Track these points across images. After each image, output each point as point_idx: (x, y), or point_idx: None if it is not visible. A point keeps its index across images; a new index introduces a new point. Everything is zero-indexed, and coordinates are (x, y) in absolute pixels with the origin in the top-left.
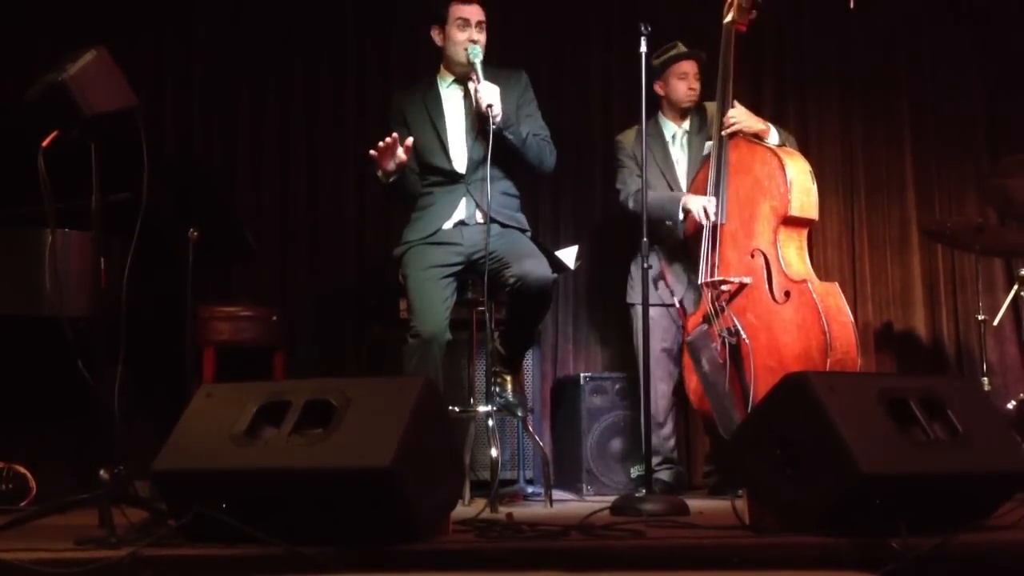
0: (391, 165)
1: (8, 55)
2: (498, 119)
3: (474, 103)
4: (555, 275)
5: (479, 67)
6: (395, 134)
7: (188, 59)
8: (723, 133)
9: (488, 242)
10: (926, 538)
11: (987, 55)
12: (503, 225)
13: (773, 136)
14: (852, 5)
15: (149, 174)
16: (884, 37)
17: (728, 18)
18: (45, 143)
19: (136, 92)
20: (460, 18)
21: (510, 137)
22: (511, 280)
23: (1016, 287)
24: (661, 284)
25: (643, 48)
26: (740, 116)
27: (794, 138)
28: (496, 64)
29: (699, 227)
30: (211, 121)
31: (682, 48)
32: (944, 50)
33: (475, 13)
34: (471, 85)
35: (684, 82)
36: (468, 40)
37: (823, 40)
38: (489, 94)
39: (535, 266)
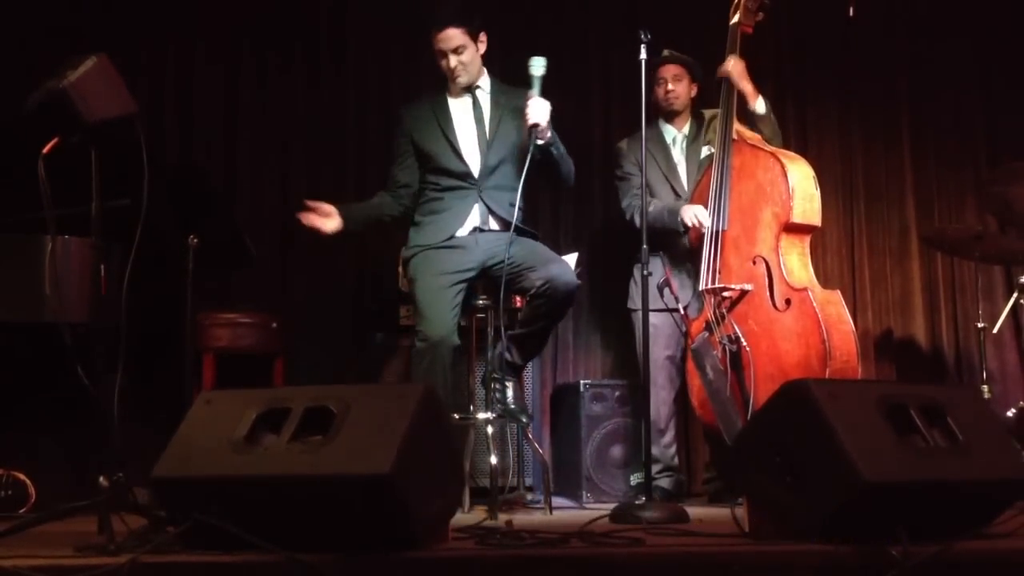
0: (330, 227)
1: (8, 61)
2: (548, 136)
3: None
4: (579, 280)
5: (537, 82)
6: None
7: (188, 65)
8: (719, 75)
9: (508, 250)
10: (926, 546)
11: (986, 62)
12: (520, 232)
13: (760, 104)
14: (851, 13)
15: (149, 181)
16: (883, 44)
17: (734, 20)
18: (45, 150)
19: (136, 99)
20: (437, 49)
21: (554, 152)
22: (538, 283)
23: (1016, 294)
24: (666, 291)
25: (643, 55)
26: (735, 68)
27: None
28: (509, 82)
29: (703, 235)
30: (211, 127)
31: (665, 53)
32: (943, 57)
33: (446, 41)
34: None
35: (660, 87)
36: (447, 68)
37: (822, 48)
38: (537, 112)
39: (562, 271)
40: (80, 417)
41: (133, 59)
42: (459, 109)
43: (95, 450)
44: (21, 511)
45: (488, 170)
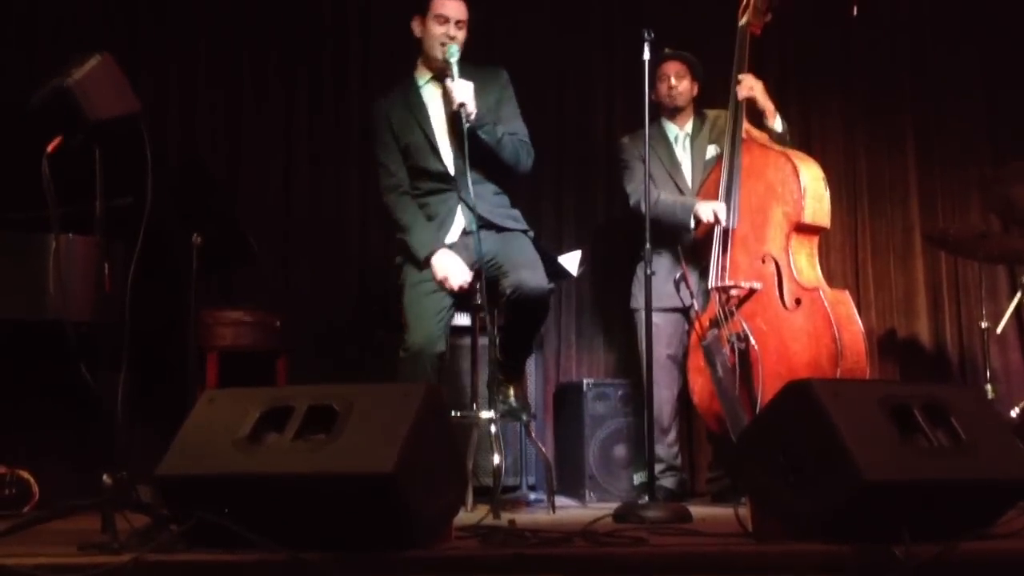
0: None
1: (12, 60)
2: (471, 117)
3: (450, 100)
4: (552, 285)
5: (455, 66)
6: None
7: (191, 64)
8: (738, 96)
9: (480, 249)
10: (929, 546)
11: (990, 61)
12: (501, 229)
13: (777, 123)
14: (855, 12)
15: (152, 179)
16: (887, 44)
17: (743, 20)
18: (50, 148)
19: (140, 97)
20: (440, 14)
21: (484, 136)
22: (507, 290)
23: (1019, 294)
24: (682, 286)
25: (646, 54)
26: (758, 86)
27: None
28: (474, 62)
29: (709, 231)
30: (214, 126)
31: (666, 50)
32: (947, 56)
33: (456, 11)
34: (447, 82)
35: (664, 83)
36: (445, 35)
37: (826, 47)
38: (462, 92)
39: (531, 276)
40: (84, 415)
41: (136, 57)
42: (431, 99)
43: (99, 448)
44: (25, 509)
45: (461, 165)
